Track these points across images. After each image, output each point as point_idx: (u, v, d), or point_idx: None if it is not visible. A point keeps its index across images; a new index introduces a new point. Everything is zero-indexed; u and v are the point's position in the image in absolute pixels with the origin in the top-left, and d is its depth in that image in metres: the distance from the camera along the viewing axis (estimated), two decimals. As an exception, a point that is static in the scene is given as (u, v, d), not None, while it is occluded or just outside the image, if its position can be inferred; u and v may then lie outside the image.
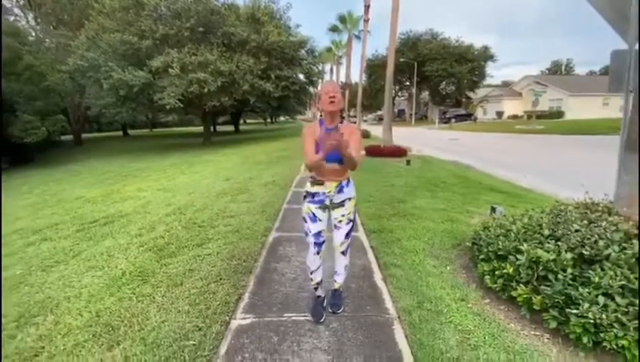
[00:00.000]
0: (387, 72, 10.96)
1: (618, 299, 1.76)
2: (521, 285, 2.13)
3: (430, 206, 4.70)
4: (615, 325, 1.70)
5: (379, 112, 44.22)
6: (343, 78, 35.48)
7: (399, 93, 47.76)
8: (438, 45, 38.49)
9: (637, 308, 1.69)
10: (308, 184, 2.08)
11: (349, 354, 1.86)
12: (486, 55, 39.75)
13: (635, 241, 2.00)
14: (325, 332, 2.05)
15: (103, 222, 4.53)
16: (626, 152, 2.57)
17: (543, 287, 2.00)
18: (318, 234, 2.07)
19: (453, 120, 32.55)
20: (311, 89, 20.75)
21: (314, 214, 2.04)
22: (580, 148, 12.50)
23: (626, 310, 1.71)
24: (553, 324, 1.91)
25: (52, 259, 3.35)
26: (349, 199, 2.07)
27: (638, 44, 2.54)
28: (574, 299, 1.85)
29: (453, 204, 4.79)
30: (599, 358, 1.79)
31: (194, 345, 1.95)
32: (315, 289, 2.25)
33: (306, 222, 2.08)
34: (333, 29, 29.14)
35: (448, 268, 2.87)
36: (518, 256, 2.21)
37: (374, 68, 40.82)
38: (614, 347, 1.70)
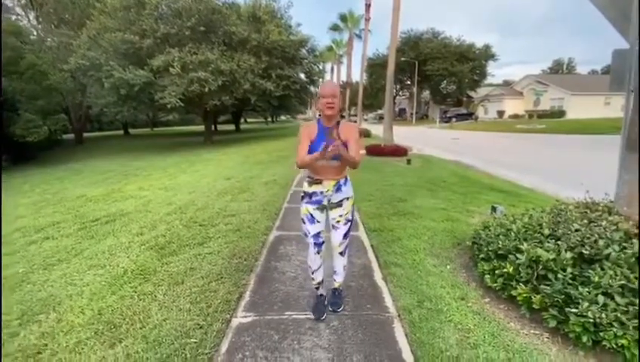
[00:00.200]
0: (388, 71, 10.95)
1: (618, 298, 1.76)
2: (520, 284, 2.14)
3: (431, 205, 4.70)
4: (614, 324, 1.70)
5: (379, 111, 44.18)
6: (343, 77, 35.45)
7: (400, 93, 47.69)
8: (439, 44, 38.41)
9: (637, 308, 1.70)
10: (305, 184, 2.08)
11: (349, 352, 1.87)
12: (487, 54, 39.66)
13: (635, 241, 2.01)
14: (326, 331, 2.07)
15: (104, 221, 4.54)
16: (626, 152, 2.57)
17: (542, 286, 2.01)
18: (317, 235, 2.08)
19: (454, 119, 32.52)
20: (312, 88, 20.74)
21: (312, 215, 2.04)
22: (581, 147, 12.48)
23: (626, 309, 1.72)
24: (553, 323, 1.91)
25: (54, 258, 3.37)
26: (347, 199, 2.07)
27: (639, 44, 2.54)
28: (574, 298, 1.85)
29: (454, 204, 4.79)
30: (598, 357, 1.80)
31: (195, 342, 1.97)
32: (317, 288, 2.27)
33: (304, 223, 2.08)
34: (334, 28, 29.07)
35: (448, 267, 2.87)
36: (518, 256, 2.22)
37: (375, 67, 40.77)
38: (614, 346, 1.70)
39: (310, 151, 1.95)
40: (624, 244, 2.00)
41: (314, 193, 2.03)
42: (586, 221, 2.33)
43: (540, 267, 2.07)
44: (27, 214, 5.36)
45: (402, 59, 34.77)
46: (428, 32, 40.84)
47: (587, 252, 2.02)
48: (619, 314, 1.70)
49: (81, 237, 3.95)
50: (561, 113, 31.12)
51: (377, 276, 2.76)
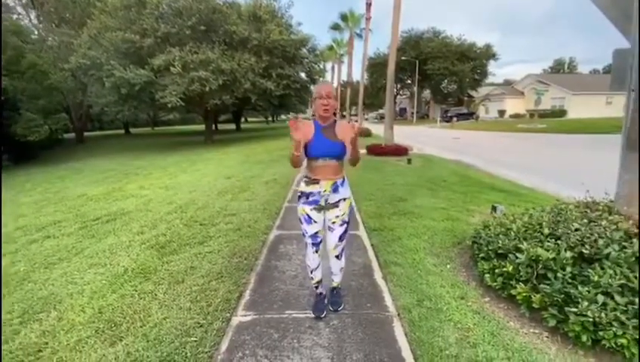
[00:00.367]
0: (388, 70, 10.93)
1: (617, 297, 1.76)
2: (520, 283, 2.14)
3: (431, 204, 4.70)
4: (614, 323, 1.70)
5: (380, 111, 44.12)
6: (344, 77, 35.43)
7: (401, 92, 47.65)
8: (440, 43, 38.35)
9: (635, 307, 1.70)
10: (302, 184, 2.05)
11: (348, 351, 1.88)
12: (488, 53, 39.59)
13: (635, 240, 2.00)
14: (325, 330, 2.07)
15: (105, 220, 4.55)
16: (626, 151, 2.57)
17: (542, 286, 2.01)
18: (315, 234, 2.07)
19: (454, 118, 32.47)
20: (312, 87, 20.72)
21: (309, 216, 2.02)
22: (582, 147, 12.45)
23: (625, 308, 1.72)
24: (552, 322, 1.92)
25: (55, 256, 3.38)
26: (344, 199, 2.05)
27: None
28: (573, 297, 1.86)
29: (454, 203, 4.79)
30: (598, 356, 1.80)
31: (195, 341, 1.97)
32: (316, 287, 2.27)
33: (301, 223, 2.07)
34: (335, 28, 29.01)
35: (448, 266, 2.87)
36: (518, 255, 2.22)
37: (376, 66, 40.74)
38: (613, 345, 1.70)
39: (308, 151, 1.93)
40: (624, 244, 2.00)
41: (311, 193, 2.00)
42: (586, 220, 2.33)
43: (540, 266, 2.07)
44: (28, 213, 5.37)
45: (403, 58, 34.76)
46: (429, 31, 40.81)
47: (587, 251, 2.02)
48: (618, 314, 1.70)
49: (81, 236, 3.96)
50: (562, 112, 31.07)
51: (377, 275, 2.77)
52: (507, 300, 2.28)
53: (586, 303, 1.78)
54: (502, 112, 35.79)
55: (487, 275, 2.42)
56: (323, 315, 2.18)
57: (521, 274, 2.16)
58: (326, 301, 2.29)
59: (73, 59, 14.70)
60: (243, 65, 14.92)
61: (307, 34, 18.28)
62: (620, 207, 2.48)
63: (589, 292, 1.82)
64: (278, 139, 18.56)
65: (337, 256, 2.17)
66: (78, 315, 2.29)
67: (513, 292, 2.17)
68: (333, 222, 2.06)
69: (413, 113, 41.33)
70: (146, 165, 10.73)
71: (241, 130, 30.54)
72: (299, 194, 2.07)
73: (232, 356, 1.86)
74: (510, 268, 2.22)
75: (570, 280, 1.93)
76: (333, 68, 39.09)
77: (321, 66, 22.42)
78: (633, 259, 1.90)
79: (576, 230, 2.22)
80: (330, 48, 32.23)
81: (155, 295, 2.51)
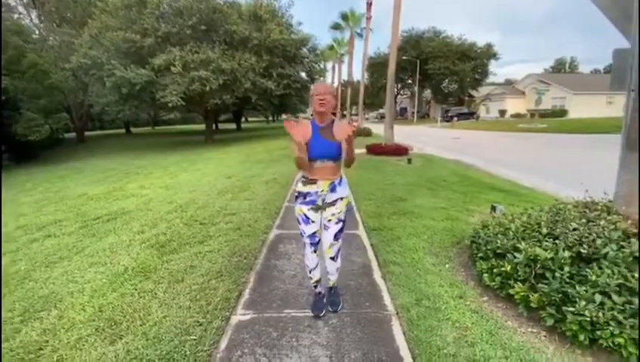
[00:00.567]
0: (389, 70, 10.93)
1: (615, 297, 1.77)
2: (518, 283, 2.15)
3: (431, 204, 4.71)
4: (611, 323, 1.71)
5: (381, 110, 44.08)
6: (345, 76, 35.40)
7: (401, 92, 47.62)
8: (440, 43, 38.30)
9: (633, 306, 1.70)
10: (299, 184, 2.04)
11: (347, 350, 1.89)
12: (489, 53, 39.51)
13: (633, 240, 2.01)
14: (324, 328, 2.08)
15: (105, 219, 4.57)
16: (626, 151, 2.57)
17: (540, 285, 2.01)
18: (313, 235, 2.07)
19: (455, 118, 32.45)
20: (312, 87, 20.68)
21: (306, 216, 2.02)
22: (583, 147, 12.44)
23: (623, 308, 1.72)
24: (550, 322, 1.92)
25: (56, 255, 3.39)
26: (341, 199, 2.04)
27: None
28: (571, 296, 1.86)
29: (454, 203, 4.80)
30: (595, 356, 1.80)
31: (195, 339, 1.99)
32: (315, 286, 2.27)
33: (299, 223, 2.07)
34: (336, 27, 28.96)
35: (447, 265, 2.88)
36: (516, 254, 2.23)
37: (376, 66, 40.71)
38: (610, 344, 1.71)
39: (308, 152, 1.92)
40: (622, 243, 2.01)
41: (308, 193, 2.00)
42: (584, 220, 2.34)
43: (538, 266, 2.08)
44: (29, 212, 5.39)
45: (404, 58, 34.70)
46: (429, 30, 40.75)
47: (585, 251, 2.03)
48: (616, 313, 1.71)
49: (82, 235, 3.98)
50: (563, 112, 31.02)
51: (376, 274, 2.78)
52: (505, 299, 2.29)
53: (583, 302, 1.79)
54: (502, 112, 35.75)
55: (485, 275, 2.43)
56: (322, 314, 2.19)
57: (520, 273, 2.16)
58: (325, 300, 2.30)
59: (74, 58, 14.73)
60: (243, 65, 14.94)
61: (307, 33, 18.31)
62: (618, 206, 2.49)
63: (586, 291, 1.83)
64: (278, 138, 18.56)
65: (333, 258, 2.14)
66: (78, 314, 2.31)
67: (511, 291, 2.17)
68: (329, 220, 2.05)
69: (413, 113, 41.31)
70: (146, 165, 10.75)
71: (242, 130, 30.56)
72: (296, 194, 2.06)
73: (231, 354, 1.87)
74: (508, 268, 2.23)
75: (567, 280, 1.94)
76: (333, 67, 39.06)
77: (322, 66, 22.43)
78: (631, 258, 1.90)
79: (575, 230, 2.23)
80: (331, 48, 32.20)
81: (155, 294, 2.52)
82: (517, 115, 33.56)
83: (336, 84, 36.78)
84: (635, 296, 1.74)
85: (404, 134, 16.81)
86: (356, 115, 33.54)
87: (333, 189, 2.00)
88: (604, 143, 12.08)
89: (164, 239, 3.63)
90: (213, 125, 23.19)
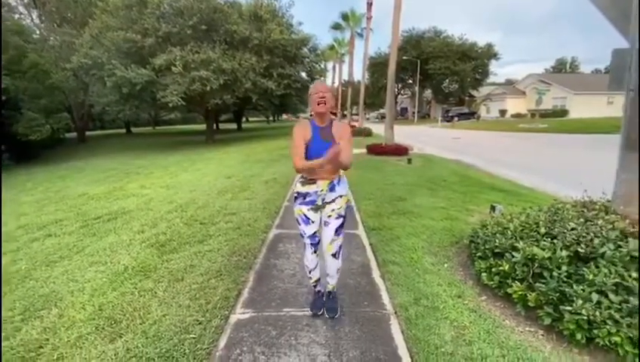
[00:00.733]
0: (389, 70, 10.93)
1: (612, 296, 1.78)
2: (516, 282, 2.16)
3: (430, 204, 4.71)
4: (608, 322, 1.72)
5: (381, 110, 44.10)
6: (345, 76, 35.40)
7: (402, 92, 47.61)
8: (441, 43, 38.28)
9: (630, 305, 1.71)
10: (298, 184, 2.02)
11: (345, 349, 1.90)
12: (489, 53, 39.50)
13: (631, 239, 2.01)
14: (323, 327, 2.09)
15: (106, 219, 4.58)
16: (624, 151, 2.58)
17: (538, 284, 2.02)
18: (313, 235, 2.06)
19: (456, 118, 32.44)
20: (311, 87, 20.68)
21: (306, 216, 2.00)
22: (583, 147, 12.43)
23: (620, 307, 1.73)
24: (547, 321, 1.93)
25: (56, 255, 3.41)
26: (341, 196, 2.02)
27: (638, 43, 2.53)
28: (568, 296, 1.87)
29: (454, 203, 4.80)
30: (592, 354, 1.81)
31: (194, 338, 2.00)
32: (315, 286, 2.28)
33: (299, 224, 2.05)
34: (336, 27, 28.95)
35: (446, 265, 2.89)
36: (514, 254, 2.24)
37: (377, 66, 40.71)
38: (607, 343, 1.72)
39: (307, 153, 1.90)
40: (619, 243, 2.01)
41: (307, 193, 1.98)
42: (582, 220, 2.34)
43: (536, 265, 2.09)
44: (30, 212, 5.41)
45: (404, 58, 34.71)
46: (430, 30, 40.75)
47: (582, 250, 2.04)
48: (612, 312, 1.72)
49: (82, 235, 4.00)
50: (563, 112, 30.99)
51: (375, 274, 2.79)
52: (503, 299, 2.30)
53: (580, 301, 1.80)
54: (503, 112, 35.72)
55: (483, 274, 2.44)
56: (320, 313, 2.20)
57: (518, 272, 2.17)
58: (324, 299, 2.30)
59: (75, 58, 14.76)
60: (244, 65, 14.96)
61: (308, 33, 18.32)
62: (616, 206, 2.49)
63: (583, 290, 1.84)
64: (278, 138, 18.58)
65: (334, 255, 2.08)
66: (78, 312, 2.32)
67: (509, 290, 2.18)
68: (329, 216, 2.01)
69: (414, 113, 41.31)
70: (147, 164, 10.77)
71: (242, 130, 30.59)
72: (295, 195, 2.04)
73: (230, 352, 1.88)
74: (506, 267, 2.24)
75: (565, 279, 1.95)
76: (334, 67, 39.06)
77: (322, 66, 22.41)
78: (628, 257, 1.91)
79: (573, 229, 2.23)
80: (331, 48, 32.18)
81: (155, 292, 2.54)
82: (517, 115, 33.52)
83: (336, 84, 36.79)
84: (631, 295, 1.75)
85: (404, 134, 16.81)
86: (357, 114, 33.54)
87: (332, 188, 1.99)
88: (604, 143, 12.06)
89: (164, 238, 3.64)
90: (214, 125, 23.22)
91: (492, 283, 2.35)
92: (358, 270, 2.85)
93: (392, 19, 10.71)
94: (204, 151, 14.24)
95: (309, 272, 2.20)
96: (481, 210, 4.36)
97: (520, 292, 2.10)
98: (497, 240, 2.46)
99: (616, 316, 1.71)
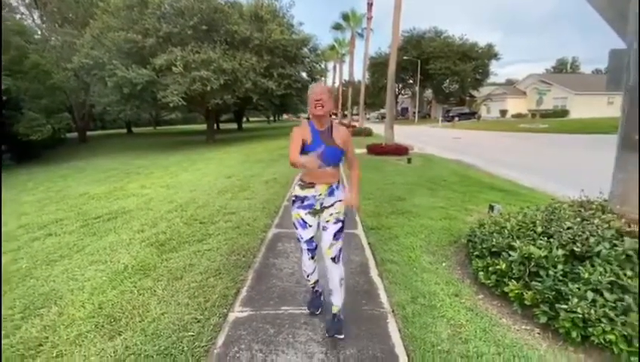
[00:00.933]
0: (389, 70, 10.95)
1: (607, 294, 1.79)
2: (513, 281, 2.17)
3: (429, 204, 4.72)
4: (603, 320, 1.73)
5: (382, 110, 44.08)
6: (346, 76, 35.44)
7: (402, 92, 47.62)
8: (441, 43, 38.29)
9: (624, 304, 1.72)
10: (297, 188, 1.99)
11: (342, 346, 1.91)
12: (490, 53, 39.49)
13: (626, 238, 2.02)
14: (320, 325, 2.10)
15: (106, 218, 4.61)
16: (621, 150, 2.59)
17: (534, 283, 2.04)
18: (310, 240, 2.02)
19: (456, 118, 32.44)
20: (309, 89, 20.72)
21: (304, 220, 1.97)
22: (584, 147, 12.42)
23: (614, 305, 1.74)
24: (543, 319, 1.94)
25: (57, 254, 3.43)
26: (340, 201, 1.99)
27: (636, 44, 2.55)
28: (564, 294, 1.88)
29: (453, 202, 4.81)
30: (587, 352, 1.82)
31: (192, 336, 2.01)
32: (313, 287, 2.28)
33: (296, 228, 2.02)
34: (337, 27, 29.00)
35: (444, 264, 2.90)
36: (511, 253, 2.25)
37: (377, 66, 40.73)
38: (602, 341, 1.73)
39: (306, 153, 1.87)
40: (615, 242, 2.02)
41: (306, 197, 1.95)
42: (579, 219, 2.35)
43: (532, 264, 2.10)
44: (31, 211, 5.44)
45: (405, 58, 34.74)
46: (430, 31, 40.77)
47: (578, 249, 2.05)
48: (607, 310, 1.73)
49: (83, 234, 4.02)
50: (564, 112, 30.96)
51: (373, 272, 2.80)
52: (500, 297, 2.31)
53: (576, 300, 1.81)
54: (504, 112, 35.70)
55: (481, 273, 2.45)
56: (318, 311, 2.21)
57: (514, 271, 2.18)
58: (322, 298, 2.31)
59: (76, 58, 14.82)
60: (244, 65, 14.99)
61: (308, 33, 18.37)
62: (613, 205, 2.50)
63: (579, 289, 1.85)
64: (278, 138, 18.60)
65: (334, 259, 1.95)
66: (78, 310, 2.34)
67: (506, 289, 2.20)
68: (327, 221, 1.96)
69: (415, 113, 41.30)
70: (147, 164, 10.81)
71: (243, 130, 30.63)
72: (293, 198, 2.00)
73: (228, 350, 1.90)
74: (503, 266, 2.25)
75: (561, 278, 1.96)
76: (334, 67, 39.09)
77: (323, 66, 22.43)
78: (623, 256, 1.92)
79: (569, 228, 2.24)
80: (332, 48, 32.23)
81: (154, 291, 2.55)
82: (518, 115, 33.50)
83: (337, 84, 36.81)
84: (626, 294, 1.76)
85: (405, 134, 16.82)
86: (357, 114, 33.56)
87: (331, 193, 1.96)
88: (604, 143, 12.03)
89: (164, 238, 3.66)
90: (215, 125, 23.25)
91: (489, 281, 2.37)
92: (356, 269, 2.86)
93: (392, 19, 10.73)
94: (205, 151, 14.27)
95: (307, 276, 2.17)
96: (480, 210, 4.37)
97: (516, 291, 2.12)
98: (494, 240, 2.47)
99: (611, 314, 1.72)
